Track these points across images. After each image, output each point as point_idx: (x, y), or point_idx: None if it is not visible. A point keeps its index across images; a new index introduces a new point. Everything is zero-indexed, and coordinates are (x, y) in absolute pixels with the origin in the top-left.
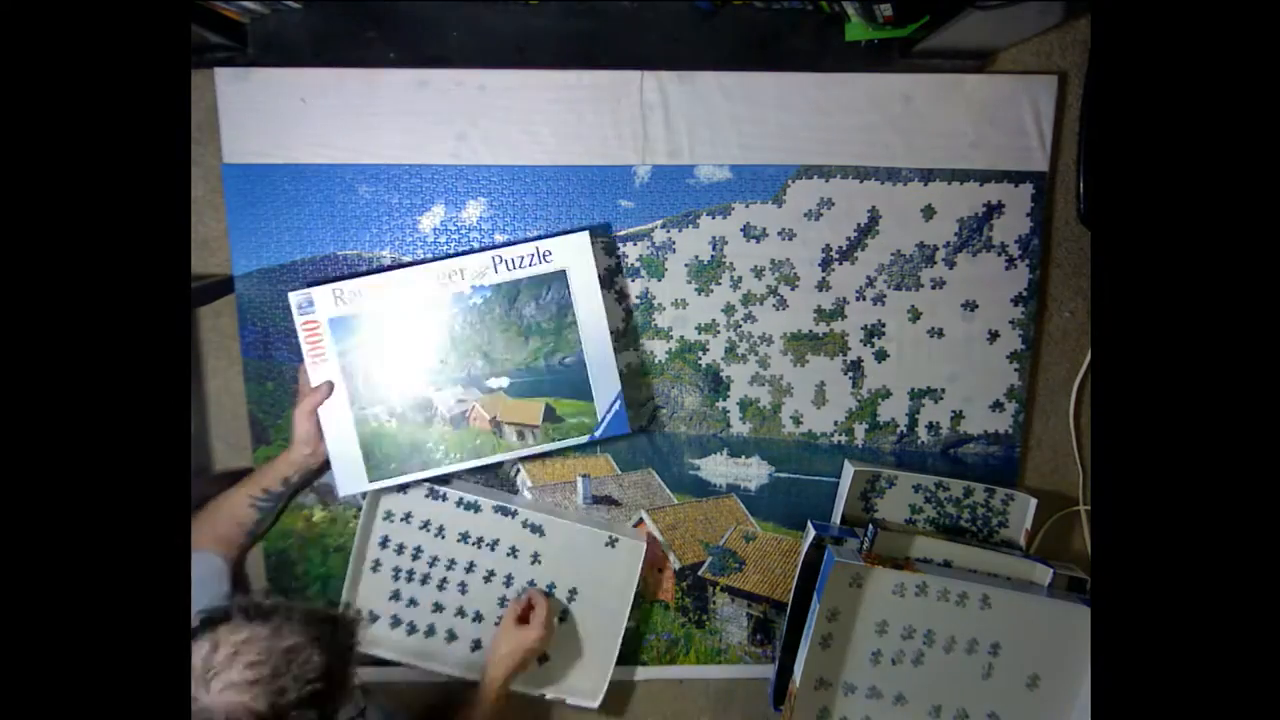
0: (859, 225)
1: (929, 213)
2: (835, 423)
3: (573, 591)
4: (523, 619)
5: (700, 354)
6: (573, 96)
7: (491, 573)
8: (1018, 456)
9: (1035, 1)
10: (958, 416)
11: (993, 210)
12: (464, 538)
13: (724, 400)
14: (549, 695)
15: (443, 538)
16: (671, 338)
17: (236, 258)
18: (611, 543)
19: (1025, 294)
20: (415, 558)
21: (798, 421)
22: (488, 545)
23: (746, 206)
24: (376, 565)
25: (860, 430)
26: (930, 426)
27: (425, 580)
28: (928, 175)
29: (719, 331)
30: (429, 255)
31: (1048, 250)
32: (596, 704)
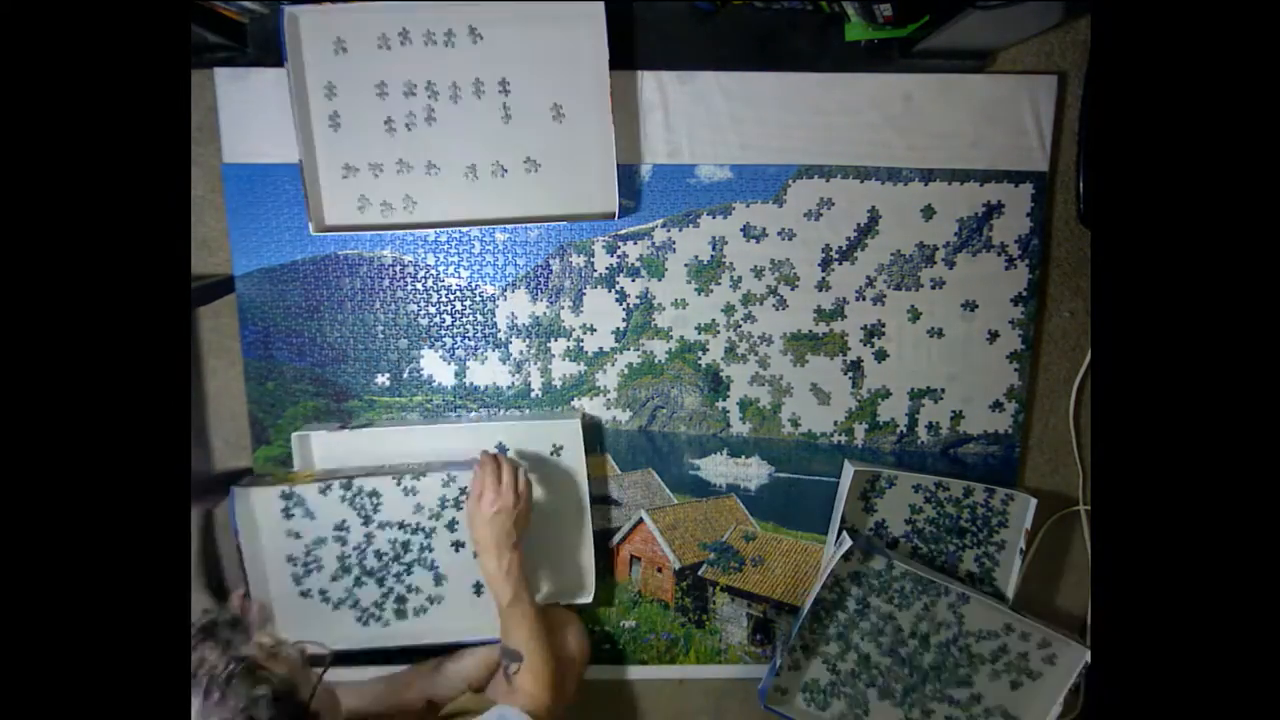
0: (859, 225)
1: (929, 213)
2: (835, 423)
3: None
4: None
5: (700, 354)
6: None
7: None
8: (1018, 456)
9: (1035, 1)
10: (958, 416)
11: (993, 210)
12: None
13: (724, 400)
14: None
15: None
16: (671, 338)
17: (236, 258)
18: (556, 451)
19: (1025, 294)
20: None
21: (797, 422)
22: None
23: (747, 206)
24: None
25: (860, 430)
26: (930, 426)
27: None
28: (928, 175)
29: (719, 331)
30: (430, 254)
31: (1048, 250)
32: (590, 597)
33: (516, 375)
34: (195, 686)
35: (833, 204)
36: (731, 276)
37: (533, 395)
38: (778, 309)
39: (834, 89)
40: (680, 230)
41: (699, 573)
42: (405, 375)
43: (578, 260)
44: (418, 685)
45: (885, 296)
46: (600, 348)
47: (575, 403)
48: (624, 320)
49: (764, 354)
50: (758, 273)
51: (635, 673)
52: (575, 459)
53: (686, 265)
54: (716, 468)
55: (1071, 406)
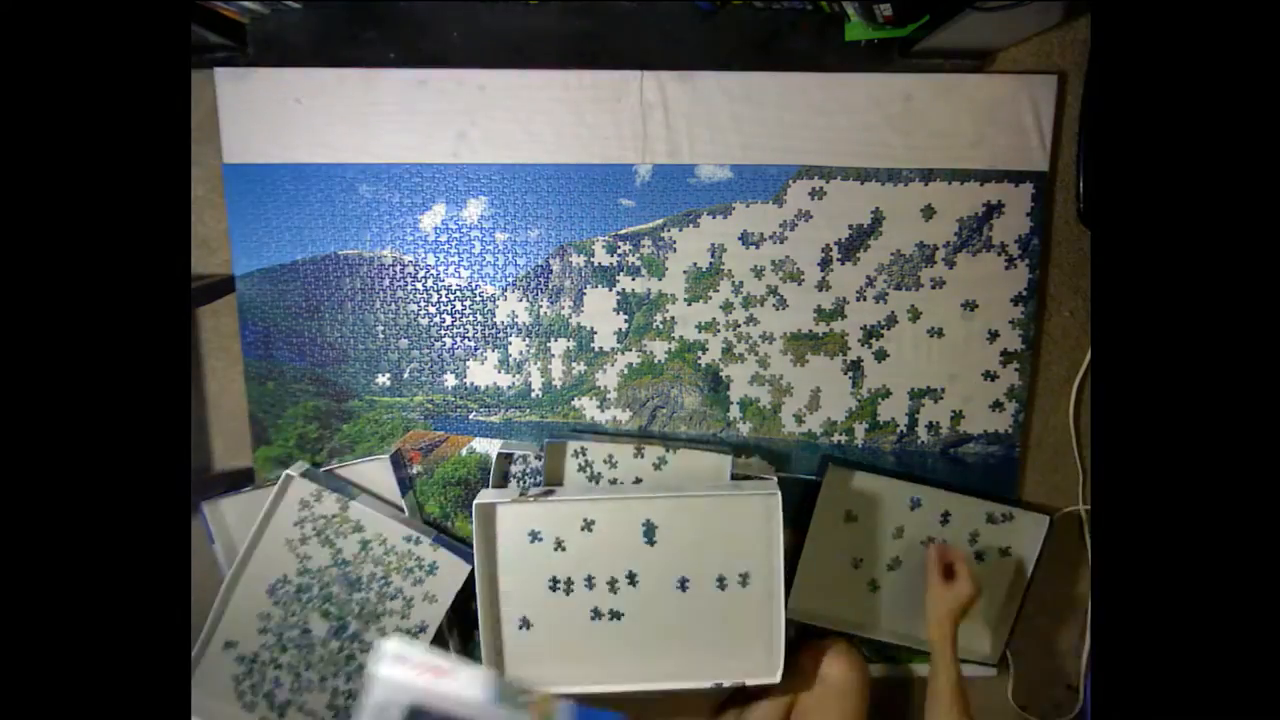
0: (859, 225)
1: (929, 213)
2: (835, 423)
3: (720, 577)
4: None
5: (700, 354)
6: (573, 96)
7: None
8: (1018, 456)
9: (1035, 1)
10: (958, 416)
11: (993, 210)
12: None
13: (724, 400)
14: (726, 683)
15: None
16: (672, 338)
17: (237, 257)
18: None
19: (1025, 294)
20: None
21: (799, 421)
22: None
23: (747, 206)
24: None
25: (860, 430)
26: (930, 426)
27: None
28: (928, 175)
29: (719, 331)
30: (430, 254)
31: (1048, 250)
32: (777, 676)
33: (516, 375)
34: None
35: (833, 204)
36: (732, 282)
37: (533, 395)
38: (778, 309)
39: (834, 89)
40: (681, 230)
41: None
42: (405, 375)
43: (578, 260)
44: None
45: (885, 296)
46: (600, 348)
47: (576, 402)
48: (625, 320)
49: (764, 354)
50: (758, 272)
51: None
52: (770, 523)
53: (685, 272)
54: None
55: (1071, 406)
